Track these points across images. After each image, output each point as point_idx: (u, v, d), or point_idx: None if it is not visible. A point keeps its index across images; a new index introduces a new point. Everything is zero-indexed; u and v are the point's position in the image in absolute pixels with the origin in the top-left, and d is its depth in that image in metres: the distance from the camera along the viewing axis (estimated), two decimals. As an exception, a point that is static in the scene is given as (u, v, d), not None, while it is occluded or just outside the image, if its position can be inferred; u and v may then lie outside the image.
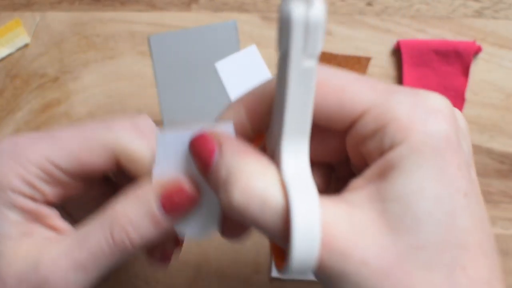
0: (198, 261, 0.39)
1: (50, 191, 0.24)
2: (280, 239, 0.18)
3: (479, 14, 0.37)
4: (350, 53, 0.37)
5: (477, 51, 0.37)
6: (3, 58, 0.38)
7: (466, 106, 0.37)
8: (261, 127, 0.22)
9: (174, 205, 0.22)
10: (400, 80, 0.37)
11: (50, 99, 0.38)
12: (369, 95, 0.20)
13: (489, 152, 0.38)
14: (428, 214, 0.18)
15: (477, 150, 0.38)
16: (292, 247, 0.18)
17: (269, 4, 0.37)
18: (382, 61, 0.37)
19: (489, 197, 0.38)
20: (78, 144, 0.24)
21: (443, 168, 0.18)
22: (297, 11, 0.17)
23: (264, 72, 0.38)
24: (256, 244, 0.37)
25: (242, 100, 0.22)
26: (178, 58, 0.38)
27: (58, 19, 0.38)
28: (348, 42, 0.37)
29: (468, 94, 0.37)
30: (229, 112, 0.22)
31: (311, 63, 0.18)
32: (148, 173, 0.24)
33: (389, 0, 0.37)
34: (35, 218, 0.24)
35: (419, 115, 0.19)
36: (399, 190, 0.18)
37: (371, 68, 0.37)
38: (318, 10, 0.17)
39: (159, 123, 0.38)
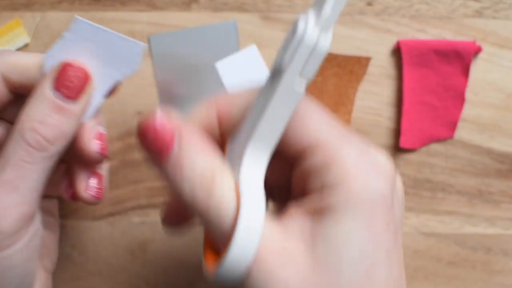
0: (198, 261, 0.39)
1: None
2: (221, 241, 0.19)
3: (479, 14, 0.37)
4: (350, 53, 0.37)
5: (477, 51, 0.37)
6: (3, 58, 0.38)
7: (466, 106, 0.37)
8: (227, 132, 0.23)
9: (69, 85, 0.23)
10: (400, 80, 0.37)
11: (50, 99, 0.38)
12: (324, 129, 0.21)
13: (489, 152, 0.38)
14: (350, 262, 0.19)
15: (477, 150, 0.38)
16: (230, 250, 0.18)
17: (269, 4, 0.37)
18: (382, 61, 0.37)
19: (489, 197, 0.38)
20: None
21: (372, 223, 0.19)
22: (312, 35, 0.18)
23: (264, 72, 0.38)
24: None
25: (217, 100, 0.23)
26: (178, 58, 0.38)
27: (59, 19, 0.38)
28: (348, 42, 0.37)
29: (468, 94, 0.37)
30: (201, 109, 0.23)
31: (302, 85, 0.19)
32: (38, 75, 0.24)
33: (389, 0, 0.37)
34: None
35: (364, 167, 0.20)
36: (329, 233, 0.19)
37: (371, 68, 0.37)
38: (329, 41, 0.19)
39: (159, 123, 0.38)
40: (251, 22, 0.37)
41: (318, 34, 0.18)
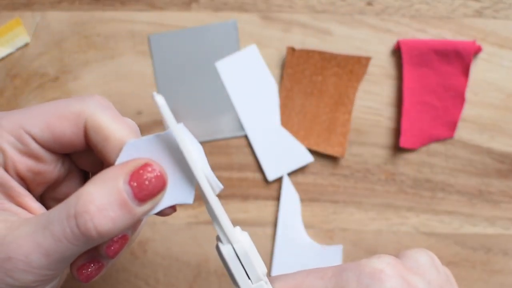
0: (198, 261, 0.39)
1: (21, 161, 0.24)
2: None
3: (479, 14, 0.37)
4: (350, 52, 0.37)
5: (477, 51, 0.37)
6: (3, 58, 0.38)
7: (466, 106, 0.37)
8: None
9: (143, 185, 0.22)
10: (400, 79, 0.37)
11: (50, 98, 0.38)
12: (321, 285, 0.23)
13: (489, 152, 0.38)
14: None
15: (477, 150, 0.38)
16: None
17: (269, 4, 0.37)
18: (382, 61, 0.37)
19: (489, 197, 0.38)
20: (50, 113, 0.23)
21: None
22: (226, 250, 0.22)
23: (264, 71, 0.38)
24: (255, 244, 0.37)
25: None
26: (178, 58, 0.38)
27: (58, 19, 0.38)
28: (348, 42, 0.37)
29: (468, 94, 0.37)
30: None
31: (260, 283, 0.22)
32: (114, 152, 0.23)
33: (389, 0, 0.37)
34: (6, 192, 0.23)
35: (365, 285, 0.22)
36: None
37: (371, 68, 0.37)
38: (241, 242, 0.22)
39: (159, 123, 0.38)
40: (251, 22, 0.37)
41: (230, 246, 0.22)
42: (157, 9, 0.38)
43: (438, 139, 0.38)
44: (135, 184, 0.22)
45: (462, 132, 0.38)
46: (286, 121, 0.38)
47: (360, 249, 0.38)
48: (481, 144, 0.38)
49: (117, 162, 0.22)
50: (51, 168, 0.25)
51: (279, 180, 0.38)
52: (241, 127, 0.38)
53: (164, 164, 0.23)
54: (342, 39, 0.37)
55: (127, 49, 0.38)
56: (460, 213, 0.38)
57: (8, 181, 0.24)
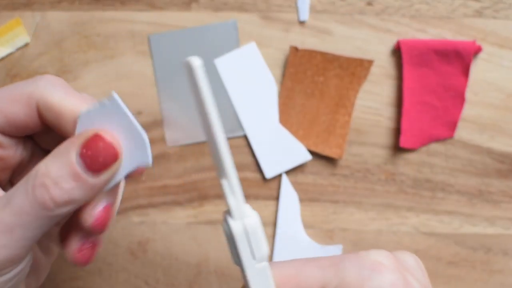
0: (198, 261, 0.39)
1: None
2: None
3: (479, 14, 0.37)
4: (350, 52, 0.37)
5: (477, 51, 0.37)
6: (3, 58, 0.38)
7: (466, 106, 0.37)
8: None
9: (95, 156, 0.22)
10: (400, 79, 0.37)
11: (50, 98, 0.38)
12: (319, 274, 0.23)
13: (489, 152, 0.38)
14: None
15: (477, 150, 0.38)
16: None
17: (269, 4, 0.37)
18: (382, 61, 0.37)
19: (489, 197, 0.38)
20: (1, 98, 0.24)
21: None
22: (236, 226, 0.21)
23: (264, 69, 0.38)
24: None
25: None
26: (178, 58, 0.38)
27: (58, 19, 0.38)
28: (348, 42, 0.37)
29: (468, 94, 0.37)
30: None
31: (263, 263, 0.22)
32: (70, 127, 0.23)
33: (389, 0, 0.37)
34: None
35: (365, 275, 0.22)
36: None
37: (371, 68, 0.37)
38: (252, 218, 0.21)
39: (159, 123, 0.38)
40: (251, 22, 0.37)
41: (239, 221, 0.21)
42: (157, 9, 0.38)
43: (438, 139, 0.38)
44: (87, 155, 0.22)
45: (462, 132, 0.38)
46: (286, 121, 0.38)
47: (360, 249, 0.38)
48: (481, 144, 0.38)
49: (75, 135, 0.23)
50: (12, 152, 0.25)
51: (278, 180, 0.38)
52: (241, 127, 0.38)
53: (119, 129, 0.23)
54: (342, 39, 0.37)
55: (127, 49, 0.38)
56: (460, 213, 0.38)
57: None
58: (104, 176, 0.22)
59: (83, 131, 0.23)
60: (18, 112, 0.24)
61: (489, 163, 0.38)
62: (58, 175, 0.22)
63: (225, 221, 0.22)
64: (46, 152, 0.27)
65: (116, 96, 0.23)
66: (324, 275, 0.23)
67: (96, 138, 0.22)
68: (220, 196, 0.38)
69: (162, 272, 0.39)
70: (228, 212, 0.22)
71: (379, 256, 0.23)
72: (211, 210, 0.38)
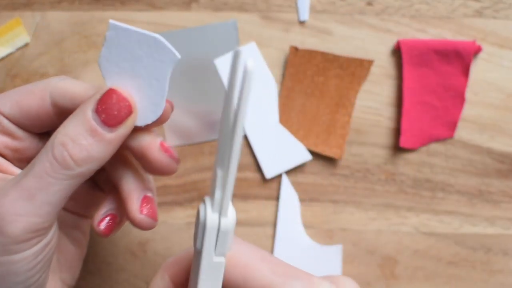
0: (198, 261, 0.39)
1: None
2: None
3: (479, 14, 0.37)
4: (350, 52, 0.37)
5: (477, 51, 0.37)
6: (3, 58, 0.38)
7: (466, 106, 0.37)
8: None
9: (109, 110, 0.23)
10: (400, 79, 0.37)
11: (50, 98, 0.38)
12: (268, 277, 0.22)
13: (489, 152, 0.38)
14: None
15: (477, 150, 0.38)
16: None
17: (269, 4, 0.37)
18: (382, 61, 0.37)
19: (489, 197, 0.38)
20: (19, 92, 0.25)
21: None
22: (212, 219, 0.21)
23: (263, 69, 0.38)
24: (255, 244, 0.37)
25: (166, 267, 0.24)
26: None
27: (58, 19, 0.38)
28: (348, 42, 0.37)
29: (468, 94, 0.37)
30: (154, 281, 0.24)
31: (220, 259, 0.22)
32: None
33: (389, 0, 0.37)
34: None
35: None
36: None
37: (371, 68, 0.37)
38: (229, 220, 0.21)
39: (159, 122, 0.38)
40: (251, 22, 0.37)
41: (217, 217, 0.21)
42: (157, 9, 0.38)
43: (438, 139, 0.38)
44: (102, 110, 0.23)
45: (462, 132, 0.38)
46: (286, 121, 0.38)
47: (360, 249, 0.38)
48: (481, 144, 0.38)
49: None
50: (27, 144, 0.26)
51: (278, 180, 0.38)
52: (241, 127, 0.38)
53: (135, 48, 0.24)
54: (342, 39, 0.37)
55: (127, 49, 0.38)
56: (460, 213, 0.38)
57: None
58: (120, 130, 0.23)
59: (98, 89, 0.24)
60: (32, 104, 0.25)
61: (489, 163, 0.38)
62: (75, 133, 0.22)
63: (204, 206, 0.22)
64: None
65: (113, 22, 0.23)
66: (272, 280, 0.23)
67: (110, 93, 0.23)
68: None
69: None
70: (209, 200, 0.22)
71: (326, 286, 0.23)
72: (211, 210, 0.38)
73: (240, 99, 0.19)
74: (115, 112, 0.23)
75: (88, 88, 0.25)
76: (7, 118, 0.25)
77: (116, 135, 0.23)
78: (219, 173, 0.21)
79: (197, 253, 0.22)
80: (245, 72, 0.19)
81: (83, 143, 0.22)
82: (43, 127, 0.26)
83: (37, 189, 0.22)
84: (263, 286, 0.23)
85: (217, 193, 0.21)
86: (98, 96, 0.23)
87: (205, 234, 0.21)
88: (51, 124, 0.26)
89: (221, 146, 0.21)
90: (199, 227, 0.22)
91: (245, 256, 0.23)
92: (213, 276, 0.22)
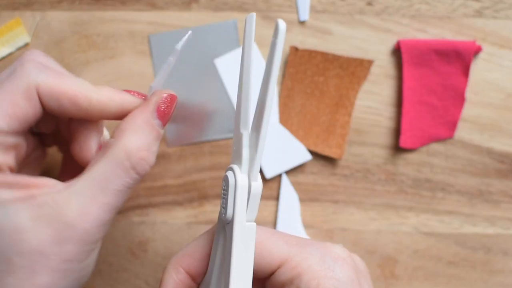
0: (198, 261, 0.39)
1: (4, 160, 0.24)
2: None
3: (479, 13, 0.37)
4: (350, 52, 0.37)
5: (477, 51, 0.37)
6: (4, 58, 0.38)
7: (466, 106, 0.37)
8: (200, 279, 0.26)
9: (165, 112, 0.25)
10: (400, 79, 0.37)
11: (50, 98, 0.38)
12: (285, 248, 0.24)
13: (489, 152, 0.38)
14: None
15: (477, 150, 0.38)
16: None
17: (269, 4, 0.37)
18: (382, 61, 0.37)
19: (489, 197, 0.38)
20: (6, 103, 0.23)
21: None
22: (243, 179, 0.22)
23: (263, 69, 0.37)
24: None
25: (178, 261, 0.25)
26: (178, 58, 0.38)
27: (59, 19, 0.38)
28: (348, 42, 0.37)
29: (468, 94, 0.37)
30: (169, 276, 0.25)
31: (252, 224, 0.22)
32: (70, 106, 0.24)
33: (389, 0, 0.37)
34: None
35: (328, 264, 0.24)
36: None
37: (371, 68, 0.37)
38: (259, 184, 0.22)
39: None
40: (251, 22, 0.37)
41: (248, 179, 0.22)
42: (157, 9, 0.38)
43: (438, 139, 0.38)
44: (162, 116, 0.25)
45: (462, 132, 0.38)
46: (286, 121, 0.38)
47: (360, 249, 0.38)
48: (481, 144, 0.38)
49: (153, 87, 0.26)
50: (23, 140, 0.26)
51: (278, 180, 0.38)
52: (241, 127, 0.38)
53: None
54: (342, 39, 0.37)
55: (127, 49, 0.38)
56: (460, 213, 0.38)
57: None
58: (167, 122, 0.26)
59: (152, 96, 0.26)
60: (25, 109, 0.24)
61: (489, 163, 0.38)
62: (148, 144, 0.24)
63: (232, 172, 0.22)
64: (40, 134, 0.28)
65: (179, 47, 0.26)
66: (289, 250, 0.24)
67: (165, 98, 0.25)
68: (220, 196, 0.38)
69: (162, 272, 0.39)
70: (237, 166, 0.22)
71: (342, 253, 0.24)
72: (211, 210, 0.38)
73: (272, 56, 0.20)
74: (169, 112, 0.26)
75: (72, 86, 0.24)
76: (8, 133, 0.24)
77: (163, 130, 0.26)
78: (245, 133, 0.22)
79: (225, 224, 0.23)
80: (277, 29, 0.20)
81: (155, 149, 0.25)
82: (36, 121, 0.26)
83: (118, 202, 0.24)
84: (281, 258, 0.24)
85: (245, 153, 0.22)
86: (155, 104, 0.25)
87: (236, 198, 0.22)
88: (39, 115, 0.25)
89: (244, 108, 0.22)
90: (228, 194, 0.22)
91: (257, 235, 0.24)
92: (246, 242, 0.22)
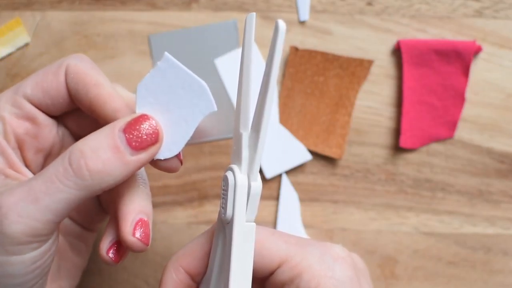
0: (198, 261, 0.39)
1: (18, 125, 0.25)
2: None
3: (479, 13, 0.37)
4: (350, 52, 0.37)
5: (477, 51, 0.37)
6: (4, 58, 0.38)
7: (466, 106, 0.37)
8: (199, 278, 0.25)
9: (137, 134, 0.23)
10: (400, 79, 0.37)
11: (50, 98, 0.38)
12: (284, 248, 0.24)
13: (489, 152, 0.38)
14: None
15: (477, 150, 0.38)
16: None
17: (269, 4, 0.37)
18: (382, 61, 0.37)
19: (489, 197, 0.38)
20: (40, 73, 0.26)
21: None
22: (242, 179, 0.22)
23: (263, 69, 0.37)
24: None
25: (178, 261, 0.25)
26: (178, 58, 0.38)
27: (59, 19, 0.38)
28: (348, 42, 0.37)
29: (468, 94, 0.37)
30: (168, 275, 0.25)
31: (251, 223, 0.22)
32: (92, 93, 0.25)
33: (389, 0, 0.37)
34: (6, 158, 0.25)
35: (327, 264, 0.24)
36: None
37: (371, 68, 0.37)
38: (258, 184, 0.22)
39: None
40: (251, 22, 0.37)
41: (247, 179, 0.22)
42: (157, 9, 0.38)
43: (438, 139, 0.38)
44: (130, 132, 0.23)
45: (462, 132, 0.38)
46: (286, 120, 0.38)
47: (360, 249, 0.38)
48: (481, 144, 0.38)
49: (136, 105, 0.24)
50: (47, 131, 0.26)
51: (278, 180, 0.38)
52: (241, 127, 0.38)
53: (178, 85, 0.24)
54: (342, 39, 0.37)
55: (127, 49, 0.38)
56: (460, 213, 0.38)
57: (7, 149, 0.25)
58: (142, 156, 0.23)
59: (130, 114, 0.24)
60: (51, 83, 0.25)
61: (489, 163, 0.38)
62: (97, 145, 0.22)
63: (231, 172, 0.22)
64: (76, 139, 0.28)
65: (168, 55, 0.24)
66: (288, 249, 0.24)
67: (143, 117, 0.23)
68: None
69: (162, 272, 0.39)
70: (237, 166, 0.22)
71: (342, 252, 0.24)
72: (211, 210, 0.38)
73: (272, 56, 0.20)
74: (143, 137, 0.23)
75: (99, 78, 0.25)
76: (29, 100, 0.25)
77: (136, 159, 0.23)
78: (245, 134, 0.22)
79: (224, 224, 0.23)
80: (276, 29, 0.20)
81: (101, 156, 0.22)
82: (63, 108, 0.26)
83: (44, 193, 0.22)
84: (281, 257, 0.24)
85: (244, 153, 0.22)
86: (129, 118, 0.23)
87: (236, 198, 0.22)
88: (68, 104, 0.26)
89: (243, 108, 0.22)
90: (228, 194, 0.22)
91: (257, 234, 0.23)
92: (245, 242, 0.22)
